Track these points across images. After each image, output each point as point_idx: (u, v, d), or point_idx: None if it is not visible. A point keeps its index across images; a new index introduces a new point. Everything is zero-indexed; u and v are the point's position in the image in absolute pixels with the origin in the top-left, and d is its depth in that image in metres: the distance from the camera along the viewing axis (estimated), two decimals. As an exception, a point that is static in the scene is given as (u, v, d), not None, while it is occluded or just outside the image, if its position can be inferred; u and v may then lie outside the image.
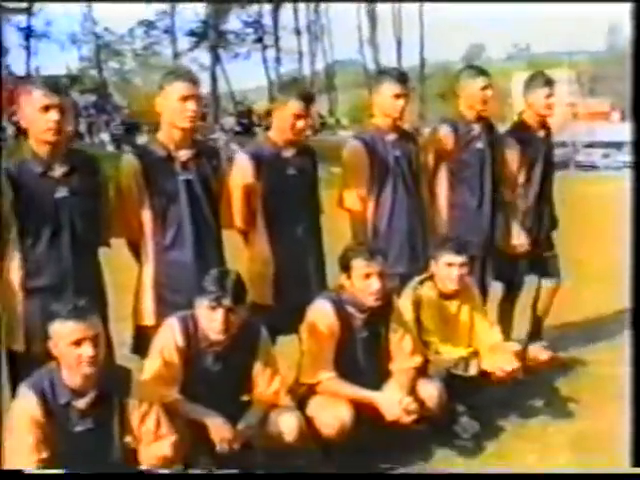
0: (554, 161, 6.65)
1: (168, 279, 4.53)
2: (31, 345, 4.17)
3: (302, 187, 5.08)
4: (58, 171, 4.17)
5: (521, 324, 6.76)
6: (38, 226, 4.12)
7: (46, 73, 38.56)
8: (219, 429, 4.13)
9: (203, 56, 45.64)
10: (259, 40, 43.89)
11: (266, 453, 4.46)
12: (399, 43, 36.33)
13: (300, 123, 4.95)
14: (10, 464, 3.73)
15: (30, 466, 3.64)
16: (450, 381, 5.11)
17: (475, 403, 5.30)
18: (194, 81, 4.58)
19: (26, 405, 3.71)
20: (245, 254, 5.14)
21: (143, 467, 3.87)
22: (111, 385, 3.84)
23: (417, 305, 5.28)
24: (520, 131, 6.45)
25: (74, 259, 4.20)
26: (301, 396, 4.75)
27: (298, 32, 40.28)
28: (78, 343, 3.66)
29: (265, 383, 4.44)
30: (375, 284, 4.65)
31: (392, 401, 4.58)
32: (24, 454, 3.66)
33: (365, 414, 4.68)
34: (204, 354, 4.29)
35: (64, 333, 3.66)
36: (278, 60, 42.11)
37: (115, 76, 48.40)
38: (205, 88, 43.23)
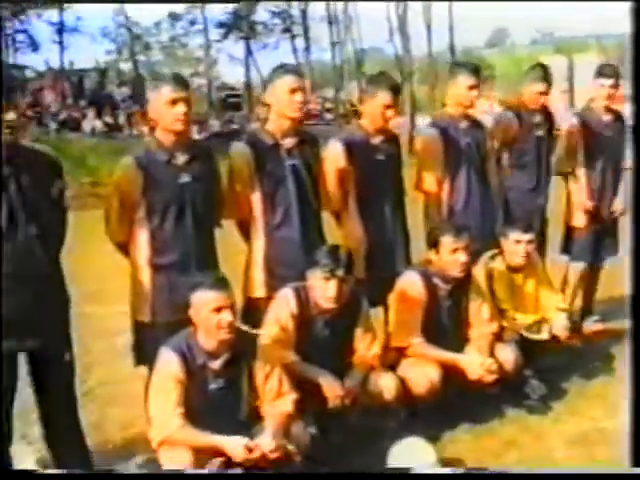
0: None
1: (277, 254, 4.99)
2: (156, 316, 4.64)
3: (389, 171, 5.57)
4: (181, 159, 4.60)
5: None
6: (164, 208, 4.57)
7: (79, 67, 39.27)
8: (332, 387, 4.64)
9: (231, 46, 45.94)
10: (287, 30, 44.19)
11: (360, 415, 4.93)
12: (429, 29, 36.47)
13: (389, 112, 5.42)
14: (156, 419, 4.21)
15: (173, 420, 4.11)
16: (520, 346, 5.60)
17: (541, 367, 5.80)
18: (301, 74, 5.05)
19: (169, 365, 4.18)
20: (337, 233, 5.56)
21: (266, 423, 4.28)
22: (240, 348, 4.31)
23: (489, 277, 5.76)
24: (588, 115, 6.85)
25: (196, 238, 4.66)
26: (391, 359, 5.21)
27: (330, 22, 40.48)
28: (218, 310, 4.12)
29: (365, 347, 4.94)
30: (462, 258, 5.15)
31: (475, 362, 5.10)
32: (169, 409, 4.12)
33: (448, 375, 5.18)
34: (315, 321, 4.79)
35: (206, 301, 4.12)
36: (307, 49, 42.41)
37: (143, 68, 48.73)
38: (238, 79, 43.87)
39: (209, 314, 4.12)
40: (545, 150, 6.63)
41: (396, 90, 5.53)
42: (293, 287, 4.74)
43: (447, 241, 5.15)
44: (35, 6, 39.40)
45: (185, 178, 4.60)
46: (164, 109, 4.51)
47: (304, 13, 41.80)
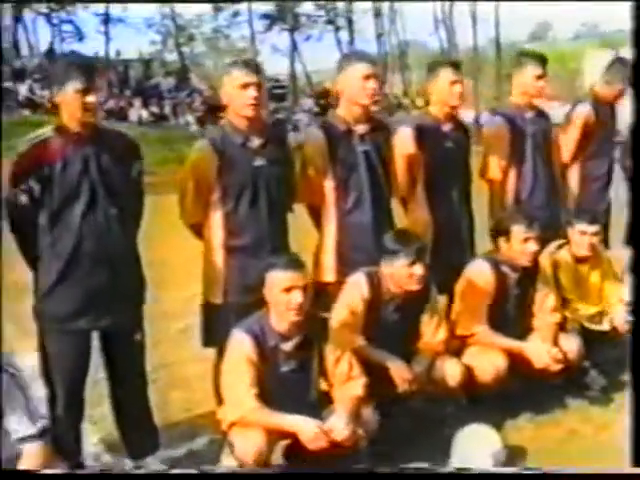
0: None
1: (349, 239, 5.01)
2: (228, 298, 4.70)
3: (457, 159, 5.58)
4: (255, 142, 4.65)
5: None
6: (239, 191, 4.62)
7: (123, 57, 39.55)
8: (401, 371, 4.66)
9: (274, 38, 46.01)
10: (330, 22, 44.16)
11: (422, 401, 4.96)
12: (474, 22, 36.35)
13: (457, 88, 5.43)
14: (229, 400, 4.27)
15: (248, 401, 4.16)
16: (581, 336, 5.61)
17: (600, 358, 5.80)
18: (373, 62, 5.06)
19: (242, 346, 4.22)
20: (403, 220, 5.58)
21: (336, 407, 4.32)
22: (311, 331, 4.34)
23: (555, 267, 5.74)
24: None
25: (269, 222, 4.70)
26: (455, 347, 5.22)
27: (376, 14, 40.46)
28: (289, 290, 4.15)
29: (431, 333, 4.95)
30: (532, 247, 5.16)
31: (542, 351, 5.09)
32: (243, 390, 4.17)
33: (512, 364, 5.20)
34: (385, 306, 4.80)
35: (278, 281, 4.17)
36: (352, 42, 42.35)
37: (186, 60, 49.00)
38: (280, 70, 43.89)
39: (280, 294, 4.15)
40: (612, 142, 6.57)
41: (457, 66, 5.53)
42: (366, 272, 4.77)
43: (518, 230, 5.14)
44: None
45: (259, 161, 4.64)
46: (236, 93, 4.57)
47: (349, 5, 41.77)
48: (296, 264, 4.19)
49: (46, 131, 4.26)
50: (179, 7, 44.17)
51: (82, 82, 4.11)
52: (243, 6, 43.95)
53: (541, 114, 6.15)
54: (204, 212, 4.69)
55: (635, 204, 4.65)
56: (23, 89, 29.54)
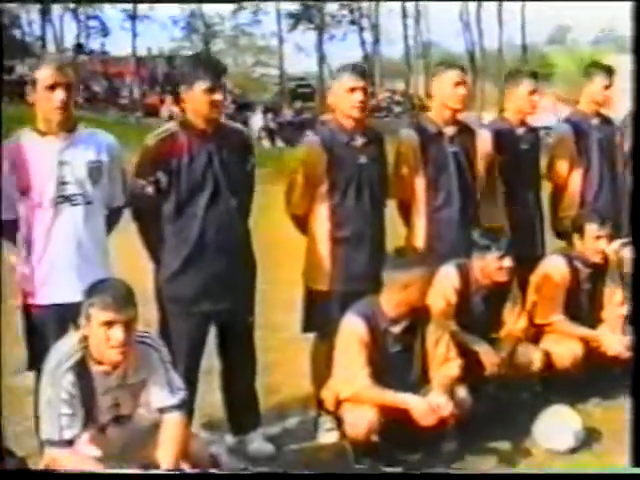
0: None
1: (438, 233, 5.40)
2: (333, 285, 5.07)
3: (531, 160, 5.97)
4: (359, 141, 5.04)
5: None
6: (345, 186, 5.00)
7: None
8: (490, 355, 5.06)
9: (298, 37, 46.39)
10: (354, 22, 44.54)
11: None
12: (500, 22, 36.62)
13: (535, 97, 5.95)
14: (342, 378, 4.67)
15: (361, 379, 4.56)
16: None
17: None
18: (463, 69, 5.45)
19: (355, 329, 4.63)
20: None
21: (434, 386, 4.71)
22: (416, 316, 4.76)
23: (620, 264, 6.10)
24: None
25: (371, 215, 5.10)
26: (533, 335, 5.60)
27: (404, 14, 40.85)
28: (405, 287, 4.61)
29: (513, 321, 5.34)
30: (604, 245, 5.53)
31: (615, 340, 5.46)
32: (356, 369, 4.58)
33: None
34: (473, 295, 5.19)
35: (400, 279, 4.62)
36: (377, 42, 42.76)
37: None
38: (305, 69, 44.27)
39: (414, 288, 4.61)
40: None
41: (535, 76, 6.06)
42: (456, 264, 5.15)
43: (592, 228, 5.52)
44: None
45: (362, 159, 5.03)
46: (343, 96, 4.96)
47: (376, 6, 42.18)
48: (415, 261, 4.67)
49: (172, 126, 4.66)
50: (199, 4, 44.45)
51: (209, 81, 4.51)
52: (265, 4, 44.22)
53: (607, 121, 6.52)
54: (310, 205, 5.06)
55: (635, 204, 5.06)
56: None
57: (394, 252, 4.84)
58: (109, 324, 3.68)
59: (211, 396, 5.22)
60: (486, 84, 38.79)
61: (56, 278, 4.33)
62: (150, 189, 4.54)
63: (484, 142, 5.75)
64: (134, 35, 40.33)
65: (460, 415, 4.70)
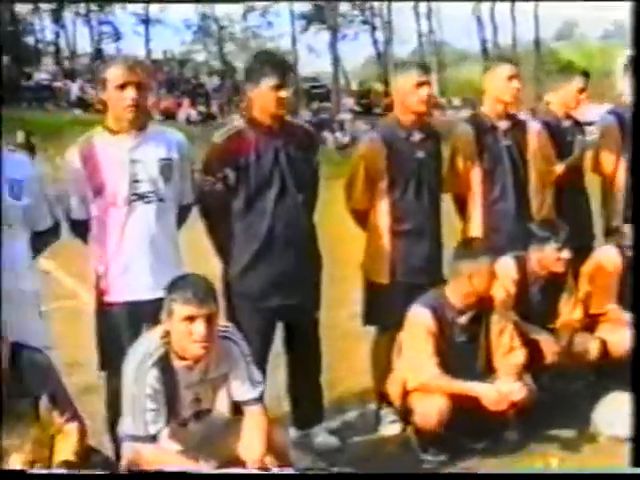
0: None
1: (494, 225, 5.45)
2: (394, 278, 5.15)
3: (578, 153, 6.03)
4: (417, 137, 5.12)
5: None
6: (405, 180, 5.09)
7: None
8: (550, 345, 5.13)
9: (310, 38, 46.53)
10: (366, 22, 44.65)
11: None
12: (514, 19, 36.69)
13: (583, 96, 5.90)
14: (411, 368, 4.75)
15: (430, 369, 4.64)
16: None
17: None
18: (516, 63, 5.51)
19: (424, 320, 4.71)
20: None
21: (499, 375, 4.78)
22: (481, 307, 4.83)
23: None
24: None
25: (430, 209, 5.19)
26: (587, 324, 5.67)
27: (418, 15, 40.96)
28: (470, 277, 4.69)
29: (569, 311, 5.40)
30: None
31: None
32: (425, 359, 4.66)
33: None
34: (531, 286, 5.26)
35: (472, 269, 4.70)
36: (390, 41, 42.83)
37: (215, 60, 49.57)
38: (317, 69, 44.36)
39: (478, 279, 4.70)
40: None
41: (587, 74, 6.10)
42: (514, 256, 5.21)
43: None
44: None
45: (420, 154, 5.11)
46: (410, 91, 5.03)
47: (389, 5, 42.26)
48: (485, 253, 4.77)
49: (239, 124, 4.74)
50: (211, 7, 44.60)
51: (276, 79, 4.59)
52: (275, 6, 44.36)
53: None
54: (370, 199, 5.13)
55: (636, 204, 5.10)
56: (75, 89, 30.15)
57: (460, 243, 4.92)
58: (191, 319, 3.74)
59: (274, 390, 5.23)
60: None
61: (130, 275, 4.38)
62: (219, 186, 4.62)
63: (535, 135, 5.80)
64: (147, 39, 40.58)
65: (523, 403, 4.76)
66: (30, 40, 43.08)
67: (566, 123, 6.07)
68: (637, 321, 4.68)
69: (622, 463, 4.08)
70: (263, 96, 4.54)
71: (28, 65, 32.15)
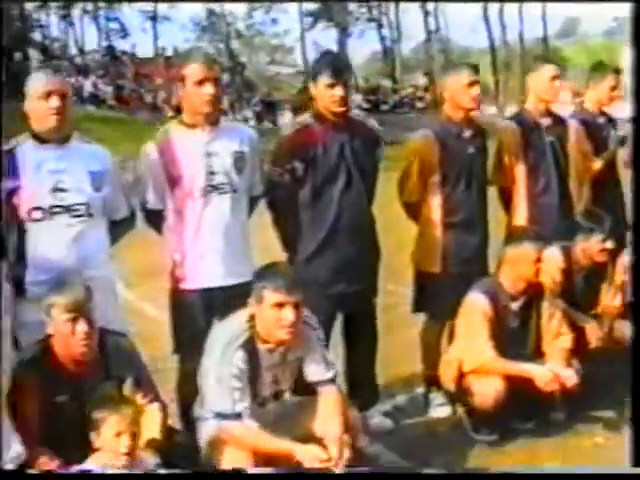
0: None
1: (538, 218, 5.71)
2: (446, 268, 5.41)
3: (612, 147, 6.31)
4: (467, 133, 5.39)
5: None
6: (457, 175, 5.36)
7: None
8: (594, 330, 5.44)
9: (316, 35, 46.73)
10: (372, 20, 44.86)
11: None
12: (521, 18, 36.92)
13: (616, 92, 6.30)
14: (468, 352, 5.01)
15: (487, 352, 4.92)
16: None
17: None
18: (558, 64, 5.78)
19: (480, 305, 4.98)
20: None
21: (547, 359, 5.03)
22: (532, 293, 5.13)
23: None
24: None
25: (479, 201, 5.47)
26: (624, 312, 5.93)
27: (426, 13, 41.16)
28: (538, 261, 5.01)
29: (609, 299, 5.66)
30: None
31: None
32: (482, 342, 4.94)
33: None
34: (576, 275, 5.51)
35: (525, 254, 5.00)
36: (399, 39, 43.09)
37: (220, 56, 49.72)
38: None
39: (526, 263, 4.97)
40: None
41: (618, 71, 6.42)
42: (560, 246, 5.47)
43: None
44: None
45: (471, 149, 5.39)
46: (461, 90, 5.31)
47: (396, 4, 42.49)
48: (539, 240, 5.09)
49: (306, 118, 5.00)
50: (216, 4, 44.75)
51: (330, 77, 4.85)
52: (280, 4, 44.54)
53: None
54: (423, 192, 5.40)
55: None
56: (88, 85, 30.36)
57: (508, 232, 5.14)
58: (281, 305, 4.00)
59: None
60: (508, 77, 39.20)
61: (205, 264, 4.62)
62: (286, 177, 4.87)
63: (575, 132, 6.06)
64: (155, 36, 40.79)
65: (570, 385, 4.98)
66: (37, 37, 43.11)
67: (600, 120, 6.32)
68: (637, 322, 4.94)
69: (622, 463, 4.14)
70: (321, 94, 4.79)
71: (39, 62, 32.25)
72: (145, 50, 42.27)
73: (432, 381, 5.53)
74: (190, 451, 4.27)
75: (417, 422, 5.49)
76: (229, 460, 3.96)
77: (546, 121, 5.75)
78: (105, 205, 4.37)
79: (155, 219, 4.73)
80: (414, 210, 5.52)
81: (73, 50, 42.82)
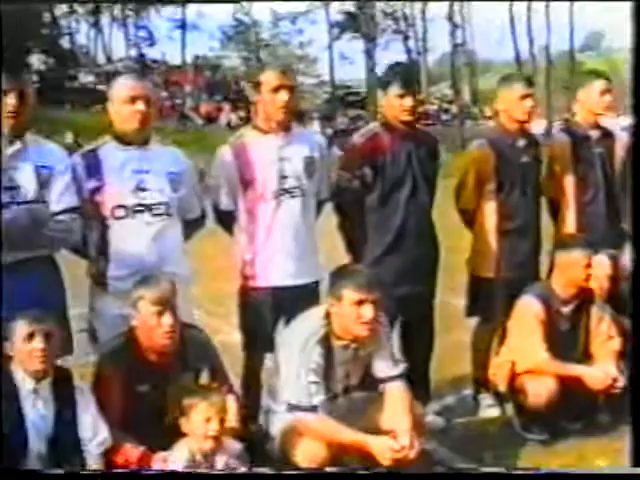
0: None
1: (587, 227, 5.91)
2: (500, 273, 5.62)
3: None
4: (521, 143, 5.61)
5: None
6: (511, 183, 5.57)
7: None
8: (640, 335, 5.57)
9: (343, 46, 46.99)
10: (399, 31, 45.10)
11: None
12: (548, 28, 37.01)
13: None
14: (521, 353, 5.23)
15: (540, 354, 5.13)
16: None
17: None
18: (609, 79, 5.98)
19: (533, 308, 5.19)
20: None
21: (597, 360, 5.24)
22: (583, 298, 5.33)
23: None
24: None
25: (532, 209, 5.69)
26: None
27: (454, 25, 41.37)
28: (588, 266, 5.21)
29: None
30: None
31: None
32: (536, 344, 5.15)
33: None
34: (622, 283, 5.70)
35: (575, 261, 5.21)
36: (425, 51, 43.28)
37: (243, 65, 50.11)
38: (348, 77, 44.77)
39: (576, 269, 5.17)
40: None
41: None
42: (608, 254, 5.67)
43: None
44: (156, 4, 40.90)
45: (525, 159, 5.61)
46: (515, 103, 5.54)
47: (423, 14, 42.74)
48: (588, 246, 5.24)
49: (375, 127, 5.27)
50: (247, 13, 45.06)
51: (400, 88, 5.10)
52: (306, 14, 44.80)
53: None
54: (479, 200, 5.62)
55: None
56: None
57: (561, 238, 5.49)
58: (360, 302, 4.23)
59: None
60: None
61: (276, 263, 4.85)
62: (355, 183, 5.10)
63: (622, 145, 6.26)
64: (183, 44, 41.13)
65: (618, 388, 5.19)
66: (65, 43, 43.56)
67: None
68: (637, 321, 4.96)
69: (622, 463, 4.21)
70: (391, 103, 5.06)
71: (69, 67, 32.64)
72: (172, 58, 42.47)
73: (481, 383, 5.75)
74: (264, 441, 4.51)
75: (467, 421, 5.70)
76: (304, 450, 4.20)
77: (595, 133, 5.93)
78: (181, 205, 4.63)
79: (227, 220, 4.97)
80: (470, 217, 5.73)
81: (101, 56, 43.23)
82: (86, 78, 31.75)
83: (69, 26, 43.57)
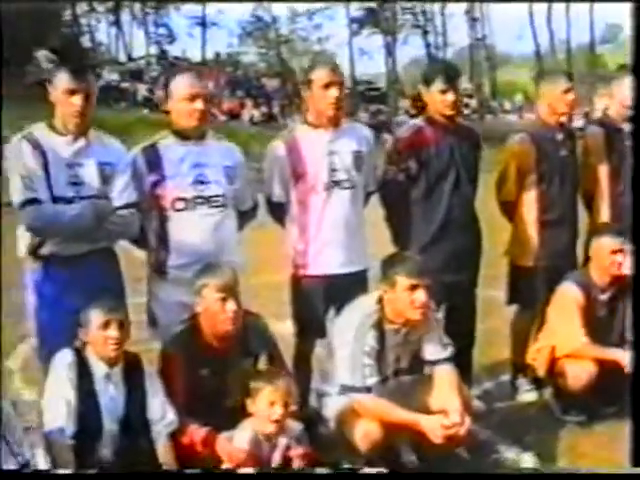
0: None
1: (620, 218, 6.02)
2: (539, 262, 5.81)
3: None
4: (559, 136, 5.79)
5: None
6: (550, 175, 5.76)
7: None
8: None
9: (362, 41, 47.09)
10: (417, 26, 45.17)
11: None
12: (568, 23, 36.98)
13: None
14: (562, 338, 5.41)
15: (580, 338, 5.31)
16: None
17: None
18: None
19: (573, 295, 5.36)
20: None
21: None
22: (619, 286, 5.50)
23: None
24: None
25: (570, 201, 5.88)
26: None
27: (474, 19, 41.44)
28: (615, 252, 5.36)
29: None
30: None
31: None
32: (575, 329, 5.34)
33: None
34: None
35: (607, 246, 5.40)
36: (442, 46, 43.33)
37: (261, 62, 50.24)
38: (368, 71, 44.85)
39: (608, 256, 5.38)
40: None
41: None
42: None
43: None
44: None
45: (563, 152, 5.79)
46: (558, 97, 5.74)
47: (442, 11, 42.81)
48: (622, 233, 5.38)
49: (419, 121, 5.48)
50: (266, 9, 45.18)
51: (443, 83, 5.31)
52: (324, 10, 44.90)
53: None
54: (519, 192, 5.81)
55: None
56: (142, 89, 30.94)
57: (595, 227, 5.69)
58: (414, 288, 4.45)
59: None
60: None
61: (327, 252, 4.97)
62: (401, 176, 5.31)
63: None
64: (204, 41, 41.32)
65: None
66: (86, 41, 43.81)
67: None
68: (637, 321, 5.05)
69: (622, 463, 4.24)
70: (434, 98, 5.24)
71: (84, 65, 32.79)
72: (192, 56, 42.69)
73: (519, 368, 5.94)
74: (318, 423, 4.73)
75: (506, 405, 5.88)
76: (361, 430, 4.40)
77: (627, 126, 6.12)
78: (236, 197, 4.81)
79: (278, 211, 5.13)
80: (510, 208, 5.92)
81: (122, 56, 43.48)
82: (110, 76, 31.98)
83: (89, 24, 43.82)
